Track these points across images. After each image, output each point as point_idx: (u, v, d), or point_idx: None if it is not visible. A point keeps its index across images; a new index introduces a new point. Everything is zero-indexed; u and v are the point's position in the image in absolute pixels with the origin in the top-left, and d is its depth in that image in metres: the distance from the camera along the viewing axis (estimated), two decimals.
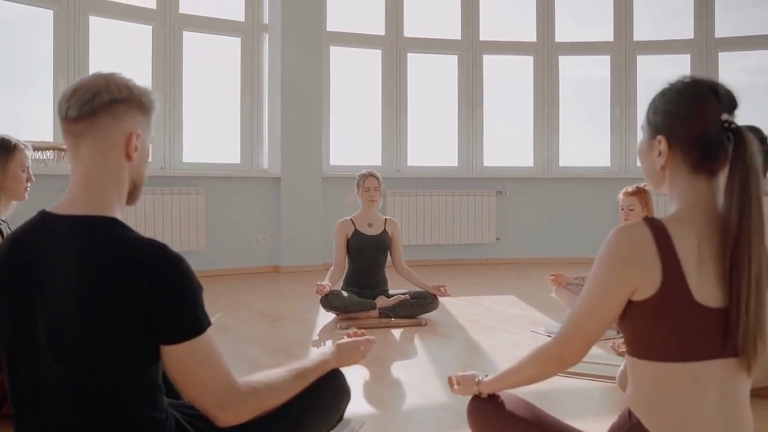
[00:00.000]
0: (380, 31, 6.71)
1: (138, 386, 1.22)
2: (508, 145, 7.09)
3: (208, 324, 1.25)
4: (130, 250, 1.20)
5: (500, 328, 3.76)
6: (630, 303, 1.25)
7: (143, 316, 1.17)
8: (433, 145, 6.99)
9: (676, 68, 7.05)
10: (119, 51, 5.81)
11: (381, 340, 3.47)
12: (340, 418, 1.57)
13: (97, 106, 1.24)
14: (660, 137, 1.30)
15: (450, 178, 6.75)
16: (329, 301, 3.84)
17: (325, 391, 1.51)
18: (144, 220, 5.42)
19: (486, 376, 1.57)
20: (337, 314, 3.89)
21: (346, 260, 4.12)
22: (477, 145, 6.90)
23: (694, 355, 1.22)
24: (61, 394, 1.19)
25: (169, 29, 5.84)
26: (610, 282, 1.26)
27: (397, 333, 3.65)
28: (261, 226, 6.16)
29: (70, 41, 5.32)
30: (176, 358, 1.22)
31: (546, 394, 2.56)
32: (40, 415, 1.22)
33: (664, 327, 1.22)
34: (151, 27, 5.79)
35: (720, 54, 6.86)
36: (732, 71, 6.94)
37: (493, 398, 1.54)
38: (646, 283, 1.22)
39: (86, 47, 5.41)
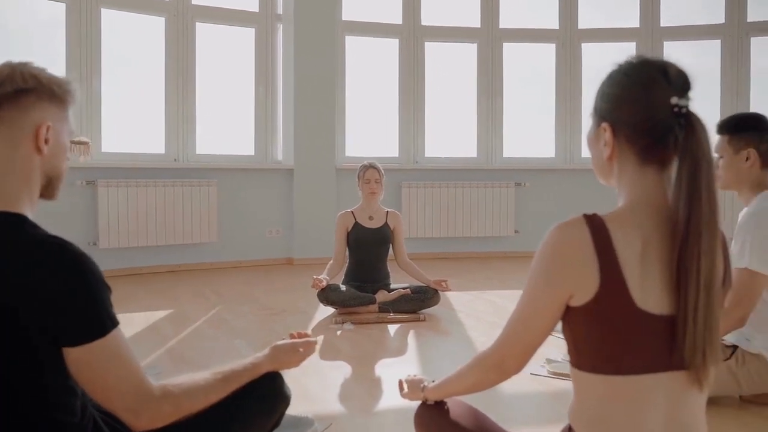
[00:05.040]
0: (397, 19, 6.59)
1: (44, 389, 1.17)
2: (528, 136, 6.90)
3: (113, 325, 1.19)
4: (29, 246, 1.15)
5: (500, 325, 3.61)
6: (568, 308, 1.14)
7: (41, 315, 1.12)
8: (451, 136, 6.85)
9: (705, 56, 6.75)
10: (132, 44, 5.83)
11: (375, 335, 3.40)
12: (277, 423, 1.50)
13: (1, 97, 1.19)
14: (605, 125, 1.17)
15: (468, 169, 6.60)
16: (326, 296, 3.77)
17: (258, 395, 1.43)
18: (156, 212, 5.44)
19: (433, 381, 1.48)
20: (337, 309, 3.82)
21: (346, 253, 4.04)
22: (496, 136, 6.73)
23: (637, 367, 1.10)
24: None
25: (181, 20, 5.83)
26: (544, 284, 1.15)
27: (392, 329, 3.56)
28: (274, 218, 6.13)
29: (82, 35, 5.34)
30: (79, 360, 1.16)
31: (532, 396, 2.44)
32: None
33: (603, 336, 1.10)
34: (163, 18, 5.78)
35: (752, 39, 6.53)
36: None
37: (440, 405, 1.45)
38: (583, 287, 1.10)
39: (98, 41, 5.42)
